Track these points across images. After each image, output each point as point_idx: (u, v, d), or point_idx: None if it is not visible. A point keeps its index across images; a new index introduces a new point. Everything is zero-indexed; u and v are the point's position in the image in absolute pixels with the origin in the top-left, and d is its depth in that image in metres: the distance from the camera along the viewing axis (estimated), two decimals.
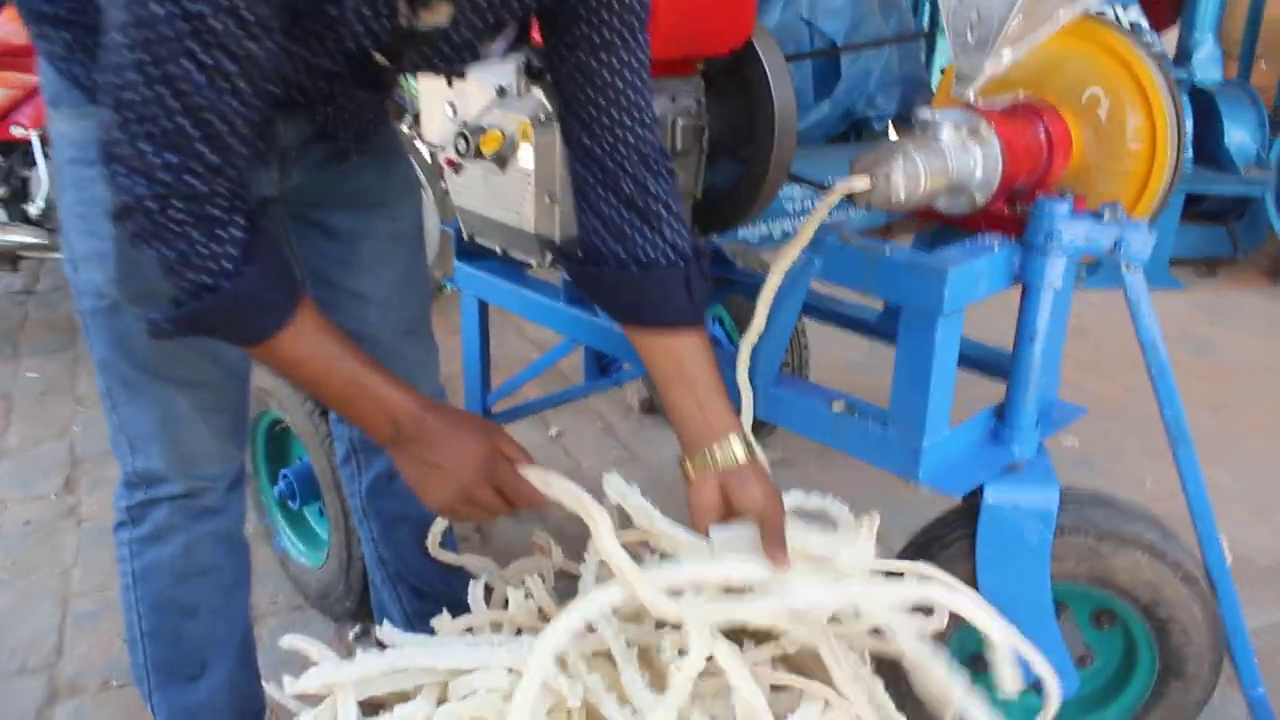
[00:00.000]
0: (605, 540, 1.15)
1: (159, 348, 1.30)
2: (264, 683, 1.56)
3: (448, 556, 1.61)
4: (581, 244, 1.30)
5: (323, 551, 2.09)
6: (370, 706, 1.32)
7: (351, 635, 2.08)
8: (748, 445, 1.26)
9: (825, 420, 1.47)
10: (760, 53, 1.68)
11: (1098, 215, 1.32)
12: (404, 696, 1.32)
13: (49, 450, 2.94)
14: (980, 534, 1.39)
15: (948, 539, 1.45)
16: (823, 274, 1.41)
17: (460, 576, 1.66)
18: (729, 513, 1.24)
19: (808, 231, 1.36)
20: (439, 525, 1.56)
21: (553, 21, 1.22)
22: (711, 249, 2.07)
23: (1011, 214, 1.43)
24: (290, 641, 1.34)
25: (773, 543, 1.19)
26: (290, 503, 2.07)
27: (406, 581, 1.77)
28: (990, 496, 1.38)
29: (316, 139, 1.35)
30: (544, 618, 1.48)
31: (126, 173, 0.96)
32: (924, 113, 1.33)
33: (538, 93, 1.52)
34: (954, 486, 1.38)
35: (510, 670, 1.28)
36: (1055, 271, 1.32)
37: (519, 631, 1.47)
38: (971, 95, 1.35)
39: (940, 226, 1.59)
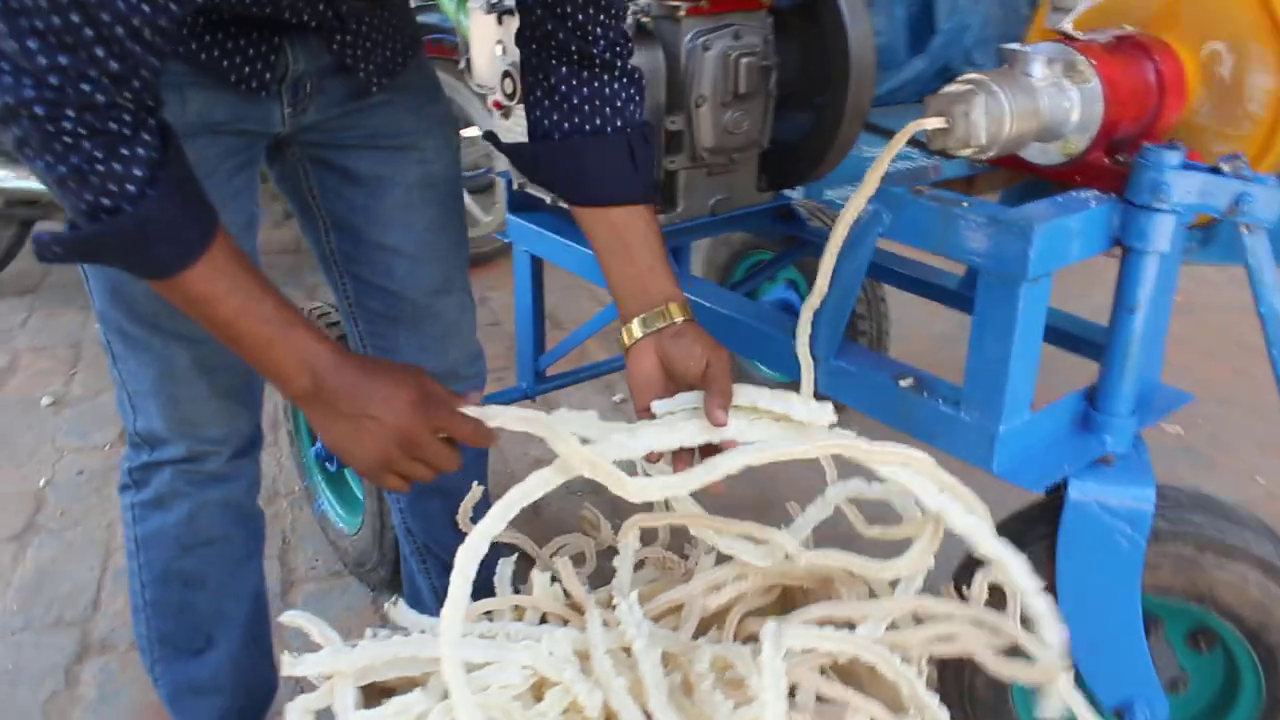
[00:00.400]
0: (562, 443, 1.06)
1: (157, 298, 1.19)
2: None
3: None
4: (529, 123, 1.25)
5: (359, 516, 2.00)
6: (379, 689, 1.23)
7: (387, 606, 1.99)
8: (689, 314, 1.16)
9: (890, 397, 1.30)
10: None
11: (1215, 169, 1.13)
12: (414, 682, 1.23)
13: (108, 401, 2.91)
14: (1062, 536, 1.22)
15: (1025, 539, 1.26)
16: (891, 231, 1.24)
17: (494, 553, 1.55)
18: (677, 387, 1.14)
19: (873, 179, 1.18)
20: (471, 497, 1.44)
21: None
22: (783, 205, 1.92)
23: (1113, 166, 1.24)
24: (291, 618, 1.26)
25: (712, 401, 1.07)
26: (328, 464, 1.99)
27: (436, 556, 1.67)
28: (1075, 493, 1.20)
29: (334, 71, 1.24)
30: (571, 604, 1.37)
31: (11, 70, 0.83)
32: (1012, 45, 1.15)
33: None
34: (1033, 480, 1.20)
35: (525, 667, 1.18)
36: (1162, 232, 1.13)
37: (543, 619, 1.36)
38: (1068, 26, 1.17)
39: (1030, 180, 1.41)
